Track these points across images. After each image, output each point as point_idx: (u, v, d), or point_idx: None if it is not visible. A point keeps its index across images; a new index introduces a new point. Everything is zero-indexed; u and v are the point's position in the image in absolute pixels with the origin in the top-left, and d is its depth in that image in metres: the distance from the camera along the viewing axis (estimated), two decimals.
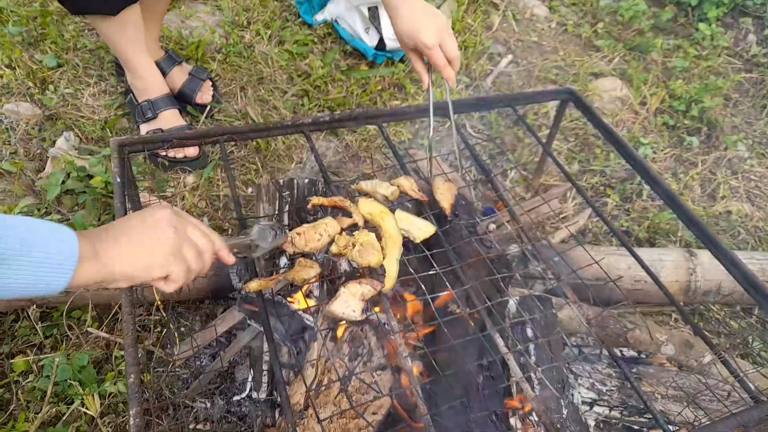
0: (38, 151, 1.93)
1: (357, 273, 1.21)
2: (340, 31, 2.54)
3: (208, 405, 1.44)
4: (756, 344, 1.76)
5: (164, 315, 1.49)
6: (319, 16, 2.62)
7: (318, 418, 0.94)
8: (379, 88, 2.35)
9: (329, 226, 1.23)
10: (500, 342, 1.13)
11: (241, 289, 1.43)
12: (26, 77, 2.12)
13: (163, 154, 1.90)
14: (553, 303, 1.43)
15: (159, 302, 1.45)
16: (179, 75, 2.10)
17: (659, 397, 1.44)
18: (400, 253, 1.22)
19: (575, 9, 2.94)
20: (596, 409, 1.44)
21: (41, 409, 1.32)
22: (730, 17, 2.95)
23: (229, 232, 1.78)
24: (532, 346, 1.34)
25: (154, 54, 2.04)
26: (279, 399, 1.24)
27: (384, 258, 1.20)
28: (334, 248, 1.20)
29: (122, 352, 1.46)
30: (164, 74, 2.05)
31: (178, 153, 1.91)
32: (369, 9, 2.43)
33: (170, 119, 1.93)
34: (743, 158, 2.37)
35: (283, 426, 1.15)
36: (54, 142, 1.92)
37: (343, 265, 1.36)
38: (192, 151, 1.92)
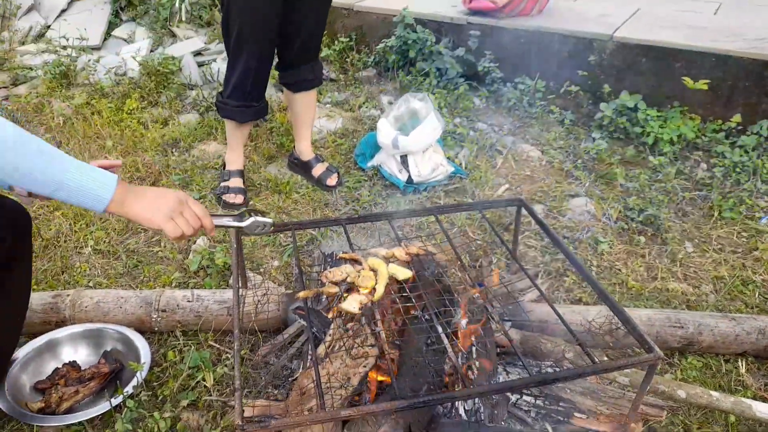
0: (185, 248, 3.06)
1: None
2: (382, 172, 3.66)
3: (276, 392, 2.30)
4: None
5: (258, 335, 2.42)
6: (370, 163, 3.77)
7: (329, 358, 1.80)
8: (406, 208, 3.37)
9: (347, 268, 2.17)
10: (440, 328, 1.95)
11: (296, 299, 2.34)
12: None
13: (224, 199, 3.26)
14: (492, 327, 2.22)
15: (255, 326, 2.40)
16: (321, 167, 3.52)
17: (569, 390, 2.12)
18: (385, 283, 2.11)
19: (561, 150, 3.92)
20: (525, 398, 2.13)
21: (179, 379, 2.25)
22: (686, 151, 3.79)
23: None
24: (473, 348, 2.12)
25: (308, 153, 3.54)
26: (310, 354, 2.08)
27: (376, 284, 2.10)
28: (348, 279, 2.12)
29: (228, 355, 2.38)
30: (312, 166, 3.51)
31: (233, 200, 3.26)
32: (401, 157, 3.55)
33: (235, 182, 3.34)
34: (688, 253, 3.07)
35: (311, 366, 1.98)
36: (195, 241, 3.06)
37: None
38: (240, 200, 3.25)
